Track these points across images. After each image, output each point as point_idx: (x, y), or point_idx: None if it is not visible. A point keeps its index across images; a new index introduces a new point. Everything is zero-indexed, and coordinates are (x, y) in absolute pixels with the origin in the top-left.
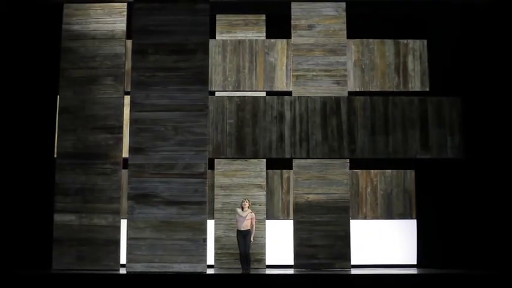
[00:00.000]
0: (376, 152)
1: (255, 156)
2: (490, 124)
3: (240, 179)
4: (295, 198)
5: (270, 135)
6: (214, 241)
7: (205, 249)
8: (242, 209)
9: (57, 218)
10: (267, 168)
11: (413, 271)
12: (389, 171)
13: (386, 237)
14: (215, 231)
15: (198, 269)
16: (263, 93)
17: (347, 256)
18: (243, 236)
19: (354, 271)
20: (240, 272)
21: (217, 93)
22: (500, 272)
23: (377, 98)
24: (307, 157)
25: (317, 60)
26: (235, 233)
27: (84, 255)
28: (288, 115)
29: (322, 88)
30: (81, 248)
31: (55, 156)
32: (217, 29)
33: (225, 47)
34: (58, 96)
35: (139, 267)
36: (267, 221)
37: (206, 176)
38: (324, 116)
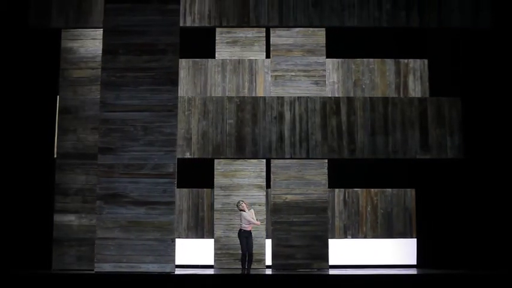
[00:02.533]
0: (376, 152)
1: (255, 156)
2: (490, 124)
3: (240, 179)
4: (273, 199)
5: (269, 136)
6: (214, 241)
7: (174, 249)
8: (244, 211)
9: (57, 218)
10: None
11: (413, 271)
12: (390, 190)
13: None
14: (215, 231)
15: (167, 269)
16: None
17: (325, 256)
18: (246, 236)
19: (354, 272)
20: (239, 272)
21: None
22: (501, 272)
23: (377, 99)
24: (307, 157)
25: (296, 61)
26: (237, 233)
27: (84, 255)
28: (287, 115)
29: (301, 88)
30: (81, 248)
31: (55, 156)
32: (217, 29)
33: (225, 66)
34: (58, 96)
35: (107, 267)
36: (267, 240)
37: (175, 176)
38: (323, 116)
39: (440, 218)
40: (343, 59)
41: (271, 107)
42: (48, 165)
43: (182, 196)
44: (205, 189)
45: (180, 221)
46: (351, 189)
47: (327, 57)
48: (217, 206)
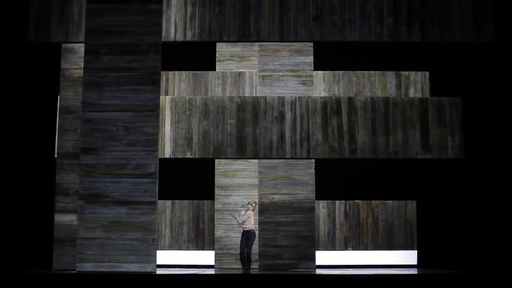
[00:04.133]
0: (377, 152)
1: (256, 156)
2: (490, 124)
3: (240, 179)
4: (260, 199)
5: (270, 136)
6: (214, 241)
7: (155, 249)
8: (245, 212)
9: (58, 218)
10: None
11: (414, 271)
12: (391, 201)
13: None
14: (215, 231)
15: (148, 269)
16: None
17: (312, 256)
18: (247, 236)
19: (355, 272)
20: (240, 272)
21: None
22: (501, 272)
23: (378, 99)
24: (308, 157)
25: (283, 61)
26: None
27: None
28: (288, 115)
29: (289, 88)
30: None
31: (55, 156)
32: None
33: (225, 79)
34: (58, 96)
35: (89, 267)
36: None
37: (157, 176)
38: (324, 116)
39: (441, 228)
40: (343, 71)
41: (272, 107)
42: (49, 165)
43: (183, 208)
44: (205, 201)
45: (180, 233)
46: (351, 201)
47: (327, 70)
48: (217, 206)
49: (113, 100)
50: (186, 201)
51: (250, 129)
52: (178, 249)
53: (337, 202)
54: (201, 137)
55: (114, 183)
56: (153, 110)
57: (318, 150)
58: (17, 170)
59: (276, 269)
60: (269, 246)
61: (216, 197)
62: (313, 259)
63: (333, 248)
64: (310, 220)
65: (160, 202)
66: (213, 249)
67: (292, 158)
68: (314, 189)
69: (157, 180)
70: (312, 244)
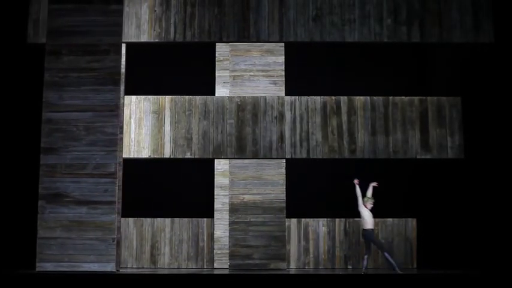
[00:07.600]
0: (377, 152)
1: (255, 156)
2: (490, 124)
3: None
4: (230, 199)
5: (270, 136)
6: (214, 241)
7: (114, 248)
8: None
9: None
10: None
11: (414, 271)
12: (391, 219)
13: None
14: (215, 231)
15: (107, 268)
16: None
17: (282, 256)
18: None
19: (355, 271)
20: (239, 272)
21: None
22: (500, 272)
23: (377, 98)
24: (307, 157)
25: (254, 61)
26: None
27: None
28: (288, 115)
29: (259, 88)
30: None
31: None
32: None
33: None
34: None
35: (49, 267)
36: None
37: (116, 176)
38: (324, 116)
39: (442, 245)
40: (345, 96)
41: (272, 106)
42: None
43: (182, 226)
44: (205, 219)
45: (180, 251)
46: (351, 219)
47: (326, 95)
48: (217, 206)
49: (73, 100)
50: (186, 219)
51: (250, 129)
52: (178, 267)
53: (337, 220)
54: (201, 137)
55: (75, 183)
56: (113, 110)
57: (318, 150)
58: (16, 170)
59: (247, 269)
60: (239, 246)
61: (216, 197)
62: (284, 259)
63: (333, 266)
64: (280, 220)
65: (159, 220)
66: (213, 267)
67: (291, 158)
68: (284, 189)
69: (117, 180)
70: (283, 244)
